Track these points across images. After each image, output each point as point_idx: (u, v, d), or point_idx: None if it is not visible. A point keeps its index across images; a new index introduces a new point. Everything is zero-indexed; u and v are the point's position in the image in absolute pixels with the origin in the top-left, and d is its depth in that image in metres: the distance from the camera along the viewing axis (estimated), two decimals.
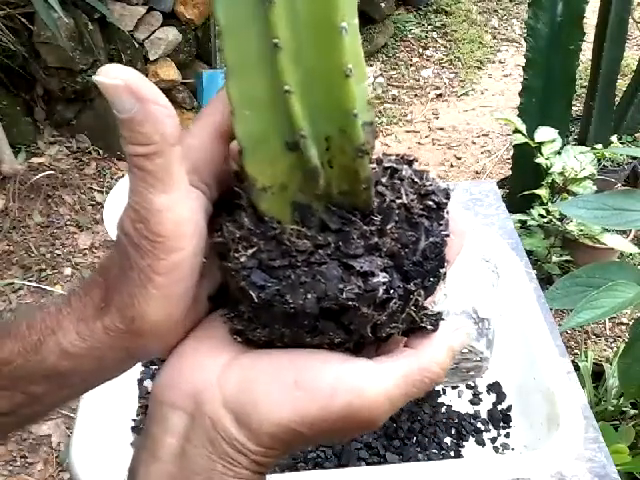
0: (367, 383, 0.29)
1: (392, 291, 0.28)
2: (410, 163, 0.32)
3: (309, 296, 0.28)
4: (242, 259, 0.29)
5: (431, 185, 0.31)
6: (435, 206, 0.30)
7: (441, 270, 0.30)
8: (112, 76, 0.26)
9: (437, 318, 0.31)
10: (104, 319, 0.30)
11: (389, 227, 0.29)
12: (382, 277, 0.28)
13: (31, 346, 0.31)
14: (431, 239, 0.30)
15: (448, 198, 0.31)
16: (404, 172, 0.31)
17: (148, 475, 0.30)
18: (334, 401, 0.28)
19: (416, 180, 0.31)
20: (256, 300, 0.28)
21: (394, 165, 0.31)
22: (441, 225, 0.30)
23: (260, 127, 0.27)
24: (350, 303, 0.28)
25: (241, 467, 0.29)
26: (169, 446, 0.30)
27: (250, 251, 0.29)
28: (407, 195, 0.30)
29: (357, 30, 0.27)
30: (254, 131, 0.27)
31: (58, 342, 0.30)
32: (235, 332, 0.31)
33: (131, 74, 0.26)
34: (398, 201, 0.30)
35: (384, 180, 0.31)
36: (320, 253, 0.28)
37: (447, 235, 0.30)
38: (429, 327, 0.31)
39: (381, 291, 0.28)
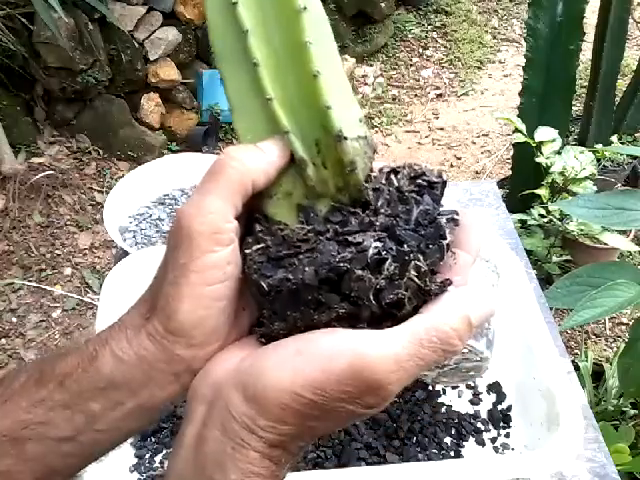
0: (368, 344, 0.29)
1: (384, 252, 0.29)
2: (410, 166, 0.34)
3: (307, 269, 0.30)
4: (253, 256, 0.31)
5: (422, 168, 0.33)
6: (426, 184, 0.32)
7: (442, 240, 0.31)
8: None
9: (444, 283, 0.31)
10: (147, 326, 0.33)
11: (380, 204, 0.31)
12: (374, 241, 0.30)
13: (88, 357, 0.33)
14: (422, 207, 0.31)
15: (440, 177, 0.32)
16: (402, 170, 0.33)
17: (173, 463, 0.31)
18: (334, 362, 0.28)
19: (411, 171, 0.33)
20: (266, 288, 0.30)
21: (394, 167, 0.33)
22: (434, 196, 0.32)
23: None
24: (343, 265, 0.29)
25: (250, 448, 0.29)
26: (189, 434, 0.31)
27: (258, 247, 0.31)
28: (400, 180, 0.32)
29: (329, 47, 0.32)
30: None
31: (111, 350, 0.33)
32: (261, 335, 0.33)
33: None
34: (391, 187, 0.32)
35: (382, 179, 0.33)
36: (320, 238, 0.31)
37: (439, 205, 0.32)
38: (434, 289, 0.31)
39: (371, 251, 0.29)
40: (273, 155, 0.32)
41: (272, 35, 0.31)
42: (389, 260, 0.29)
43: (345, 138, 0.30)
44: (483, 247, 0.65)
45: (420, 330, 0.29)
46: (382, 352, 0.28)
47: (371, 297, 0.30)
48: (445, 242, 0.31)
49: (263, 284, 0.31)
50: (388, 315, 0.31)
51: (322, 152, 0.31)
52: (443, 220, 0.31)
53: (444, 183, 0.33)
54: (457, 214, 0.32)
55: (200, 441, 0.30)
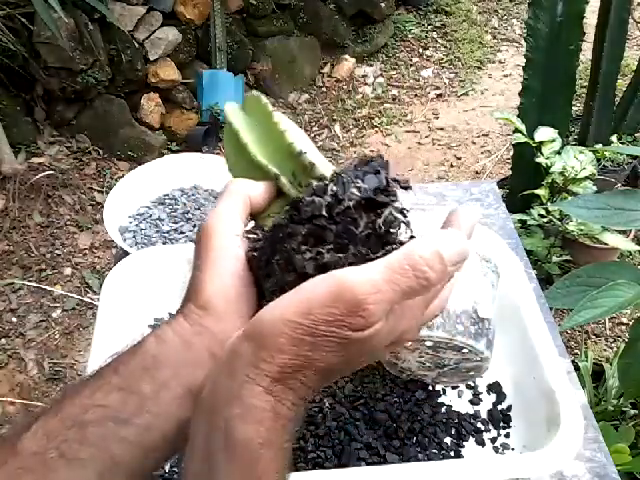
0: (347, 272, 0.33)
1: (331, 195, 0.38)
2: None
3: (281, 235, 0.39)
4: (249, 243, 0.42)
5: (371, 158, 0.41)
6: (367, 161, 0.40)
7: (378, 173, 0.38)
8: None
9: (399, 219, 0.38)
10: (183, 309, 0.40)
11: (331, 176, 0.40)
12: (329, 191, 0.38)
13: (137, 344, 0.39)
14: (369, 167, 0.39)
15: (381, 158, 0.40)
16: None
17: (193, 424, 0.35)
18: (317, 288, 0.33)
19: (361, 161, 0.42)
20: (254, 261, 0.41)
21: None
22: (379, 169, 0.39)
23: None
24: (299, 197, 0.39)
25: (254, 383, 0.33)
26: (206, 387, 0.35)
27: (252, 237, 0.43)
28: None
29: (301, 137, 0.44)
30: None
31: (154, 334, 0.39)
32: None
33: None
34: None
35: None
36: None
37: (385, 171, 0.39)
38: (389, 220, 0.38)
39: (328, 198, 0.38)
40: (265, 187, 0.44)
41: (261, 139, 0.46)
42: (338, 194, 0.37)
43: (314, 164, 0.42)
44: (483, 248, 0.65)
45: (393, 259, 0.34)
46: (359, 276, 0.33)
47: (324, 212, 0.37)
48: (383, 174, 0.38)
49: (252, 255, 0.41)
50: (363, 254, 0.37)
51: (297, 177, 0.44)
52: (383, 173, 0.39)
53: (386, 163, 0.40)
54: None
55: (213, 388, 0.34)
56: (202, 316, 0.39)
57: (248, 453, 0.32)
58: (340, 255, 0.37)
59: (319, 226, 0.37)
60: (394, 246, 0.37)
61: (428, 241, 0.35)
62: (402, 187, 0.40)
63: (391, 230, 0.38)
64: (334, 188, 0.38)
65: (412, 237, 0.38)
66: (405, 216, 0.39)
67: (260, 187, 0.43)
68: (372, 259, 0.36)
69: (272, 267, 0.39)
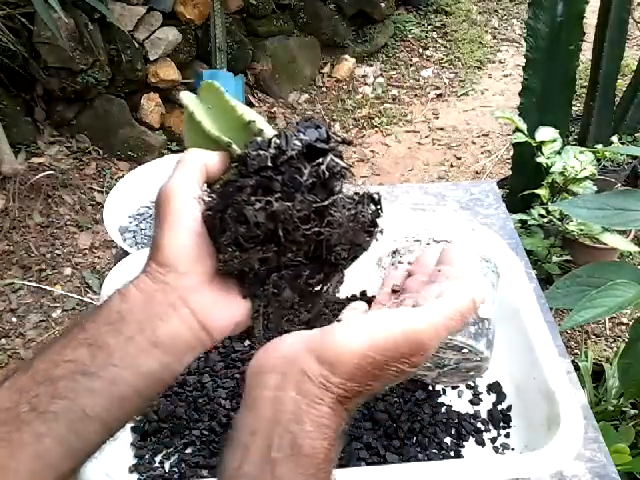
0: (416, 318, 0.39)
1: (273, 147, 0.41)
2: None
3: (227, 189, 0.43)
4: (204, 204, 0.44)
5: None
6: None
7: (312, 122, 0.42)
8: None
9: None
10: (145, 268, 0.42)
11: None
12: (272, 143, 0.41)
13: (102, 302, 0.42)
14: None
15: (323, 120, 0.44)
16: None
17: (244, 421, 0.37)
18: (393, 330, 0.38)
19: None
20: (209, 220, 0.43)
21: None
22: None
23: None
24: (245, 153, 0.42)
25: (323, 404, 0.36)
26: (265, 397, 0.37)
27: (207, 199, 0.44)
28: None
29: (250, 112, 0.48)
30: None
31: (118, 292, 0.42)
32: (219, 261, 0.43)
33: None
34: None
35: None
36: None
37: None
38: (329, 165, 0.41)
39: (271, 150, 0.41)
40: (220, 156, 0.46)
41: (215, 117, 0.49)
42: (281, 146, 0.40)
43: (254, 121, 0.45)
44: (483, 248, 0.65)
45: (449, 311, 0.40)
46: (427, 323, 0.38)
47: (270, 164, 0.40)
48: (323, 128, 0.42)
49: (208, 213, 0.43)
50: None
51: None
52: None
53: (327, 123, 0.43)
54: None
55: (276, 402, 0.36)
56: (163, 273, 0.41)
57: (313, 466, 0.36)
58: (288, 204, 0.39)
59: (266, 177, 0.40)
60: (340, 195, 0.41)
61: (467, 292, 0.42)
62: (342, 141, 0.42)
63: (335, 177, 0.41)
64: (277, 141, 0.41)
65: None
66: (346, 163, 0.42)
67: (215, 156, 0.46)
68: (321, 207, 0.40)
69: (225, 221, 0.41)
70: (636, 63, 2.22)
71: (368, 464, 0.69)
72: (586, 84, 2.19)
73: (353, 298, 0.82)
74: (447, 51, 3.25)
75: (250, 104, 2.74)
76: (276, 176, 0.40)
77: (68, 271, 2.08)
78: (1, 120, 2.14)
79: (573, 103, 2.00)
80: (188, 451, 0.72)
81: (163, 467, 0.71)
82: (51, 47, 2.20)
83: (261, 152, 0.41)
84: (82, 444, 0.39)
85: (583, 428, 0.65)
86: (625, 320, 1.90)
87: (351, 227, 0.42)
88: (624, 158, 2.18)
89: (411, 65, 3.17)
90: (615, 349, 1.77)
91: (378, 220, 0.45)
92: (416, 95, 3.01)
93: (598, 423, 0.79)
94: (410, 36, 3.30)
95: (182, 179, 0.44)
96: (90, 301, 1.98)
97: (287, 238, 0.40)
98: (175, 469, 0.71)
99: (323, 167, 0.40)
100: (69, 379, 0.38)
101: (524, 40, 1.87)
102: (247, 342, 0.83)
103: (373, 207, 0.44)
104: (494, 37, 3.39)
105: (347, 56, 3.08)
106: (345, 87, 3.02)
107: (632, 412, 1.39)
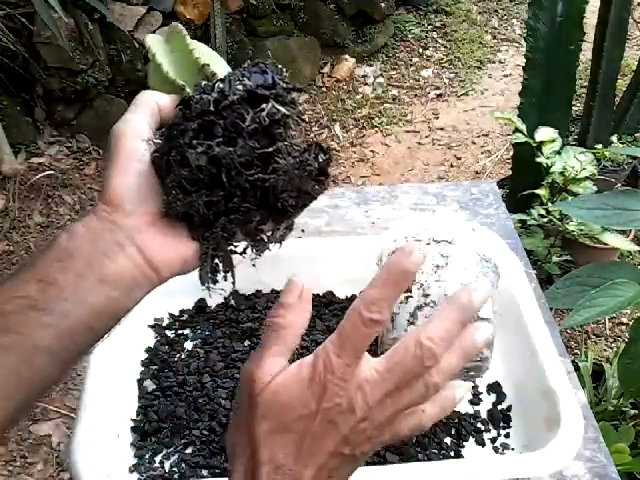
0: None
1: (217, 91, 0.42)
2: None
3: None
4: (153, 146, 0.44)
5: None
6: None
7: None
8: None
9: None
10: (94, 208, 0.43)
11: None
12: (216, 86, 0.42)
13: (50, 240, 0.42)
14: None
15: (274, 64, 0.43)
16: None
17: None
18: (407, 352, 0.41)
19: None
20: (156, 161, 0.43)
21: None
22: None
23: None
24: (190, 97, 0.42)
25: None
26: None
27: (156, 141, 0.44)
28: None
29: (211, 55, 0.48)
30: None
31: (67, 230, 0.42)
32: (163, 201, 0.44)
33: None
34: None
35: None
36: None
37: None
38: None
39: (214, 95, 0.41)
40: (174, 99, 0.46)
41: (176, 60, 0.49)
42: (224, 90, 0.41)
43: (208, 65, 0.46)
44: (483, 248, 0.65)
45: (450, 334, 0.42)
46: (438, 338, 0.41)
47: (212, 108, 0.40)
48: (270, 74, 0.42)
49: (155, 155, 0.43)
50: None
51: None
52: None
53: (278, 68, 0.43)
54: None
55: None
56: (110, 212, 0.42)
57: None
58: (230, 149, 0.40)
59: (208, 121, 0.41)
60: (285, 143, 0.41)
61: (459, 302, 0.42)
62: (289, 88, 0.43)
63: (278, 124, 0.41)
64: (221, 85, 0.41)
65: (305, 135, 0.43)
66: (293, 109, 0.42)
67: (168, 98, 0.46)
68: (264, 153, 0.40)
69: (170, 164, 0.42)
70: (636, 63, 2.22)
71: (368, 464, 0.69)
72: (586, 84, 2.19)
73: (353, 298, 0.82)
74: (447, 51, 3.25)
75: None
76: (218, 121, 0.40)
77: None
78: (1, 120, 2.14)
79: (573, 103, 2.00)
80: (188, 451, 0.72)
81: (163, 467, 0.71)
82: (51, 47, 2.20)
83: (204, 96, 0.41)
84: (34, 374, 0.40)
85: (583, 428, 0.65)
86: (625, 320, 1.90)
87: (297, 174, 0.42)
88: (624, 158, 2.18)
89: (411, 65, 3.17)
90: (615, 349, 1.77)
91: (329, 169, 0.44)
92: (416, 95, 3.01)
93: (598, 423, 0.79)
94: (410, 36, 3.30)
95: (133, 120, 0.44)
96: None
97: (231, 183, 0.41)
98: (175, 469, 0.71)
99: (264, 114, 0.40)
100: (20, 313, 0.39)
101: (524, 40, 1.87)
102: (247, 342, 0.83)
103: (323, 156, 0.44)
104: (494, 37, 3.38)
105: (347, 56, 3.08)
106: (345, 87, 3.02)
107: (632, 412, 1.39)
